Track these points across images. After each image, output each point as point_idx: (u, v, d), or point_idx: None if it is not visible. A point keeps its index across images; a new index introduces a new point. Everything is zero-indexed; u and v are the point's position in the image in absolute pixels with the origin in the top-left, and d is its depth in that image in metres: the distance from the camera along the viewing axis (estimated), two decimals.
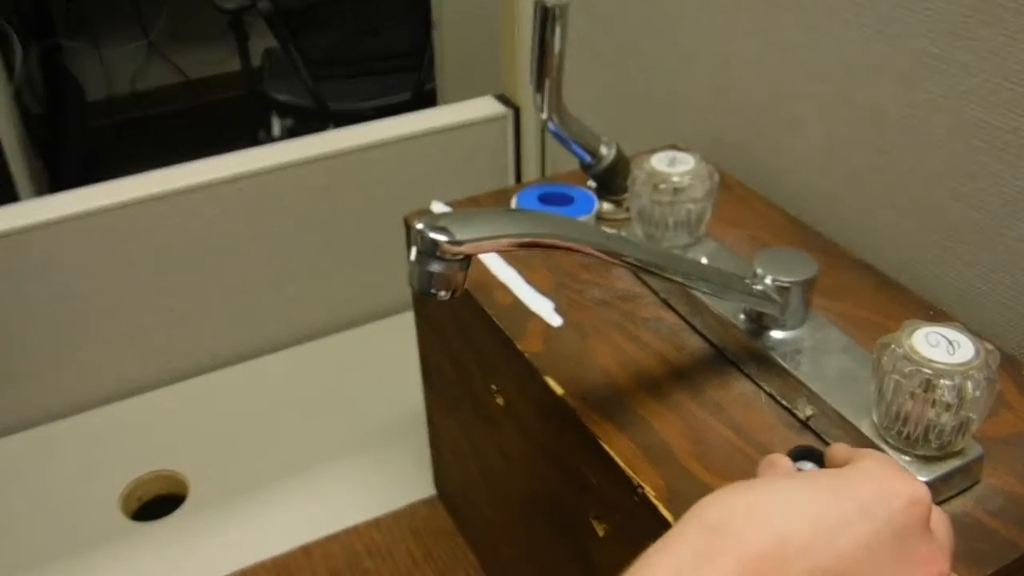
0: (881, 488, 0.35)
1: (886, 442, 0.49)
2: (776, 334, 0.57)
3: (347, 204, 1.07)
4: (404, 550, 0.85)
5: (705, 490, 0.50)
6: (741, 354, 0.58)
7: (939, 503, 0.49)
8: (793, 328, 0.58)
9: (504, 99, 1.13)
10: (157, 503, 0.93)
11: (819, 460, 0.49)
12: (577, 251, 0.48)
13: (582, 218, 0.71)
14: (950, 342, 0.47)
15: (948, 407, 0.46)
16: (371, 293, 1.14)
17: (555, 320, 0.63)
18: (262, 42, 2.43)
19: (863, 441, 0.50)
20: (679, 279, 0.53)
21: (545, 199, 0.73)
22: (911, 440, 0.48)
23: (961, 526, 0.47)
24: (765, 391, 0.56)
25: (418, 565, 0.83)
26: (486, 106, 1.12)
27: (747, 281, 0.57)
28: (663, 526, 0.49)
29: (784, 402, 0.55)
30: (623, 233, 0.67)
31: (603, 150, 0.72)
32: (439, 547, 0.85)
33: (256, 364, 1.09)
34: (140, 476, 0.93)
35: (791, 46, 0.73)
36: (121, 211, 0.95)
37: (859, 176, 0.70)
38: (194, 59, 2.95)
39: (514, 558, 0.75)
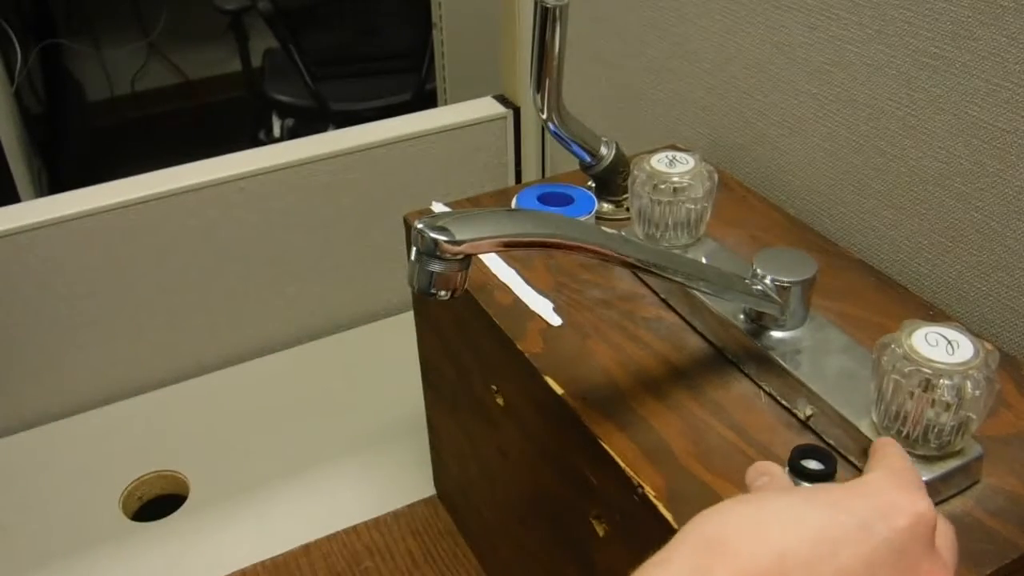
0: (882, 504, 0.35)
1: None
2: (776, 334, 0.57)
3: (347, 204, 1.07)
4: (404, 550, 0.85)
5: (705, 490, 0.50)
6: (741, 354, 0.58)
7: (939, 503, 0.49)
8: (793, 328, 0.58)
9: (504, 99, 1.13)
10: (158, 503, 0.93)
11: (821, 459, 0.49)
12: (577, 251, 0.48)
13: (582, 218, 0.71)
14: (949, 342, 0.47)
15: (948, 407, 0.46)
16: (371, 293, 1.14)
17: (555, 320, 0.63)
18: (262, 42, 2.43)
19: (863, 441, 0.50)
20: (679, 279, 0.53)
21: (545, 199, 0.73)
22: (911, 440, 0.48)
23: (961, 526, 0.47)
24: (765, 391, 0.57)
25: (418, 565, 0.83)
26: (486, 106, 1.12)
27: (747, 281, 0.57)
28: (663, 526, 0.49)
29: (784, 402, 0.55)
30: (623, 233, 0.67)
31: (603, 150, 0.72)
32: (439, 547, 0.85)
33: (256, 364, 1.09)
34: (141, 476, 0.93)
35: (791, 46, 0.73)
36: (121, 211, 0.95)
37: (859, 176, 0.70)
38: (194, 59, 2.95)
39: (514, 558, 0.75)
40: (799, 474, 0.48)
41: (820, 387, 0.53)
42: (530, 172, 1.16)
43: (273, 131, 2.29)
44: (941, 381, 0.46)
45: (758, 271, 0.57)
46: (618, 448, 0.52)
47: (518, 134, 1.13)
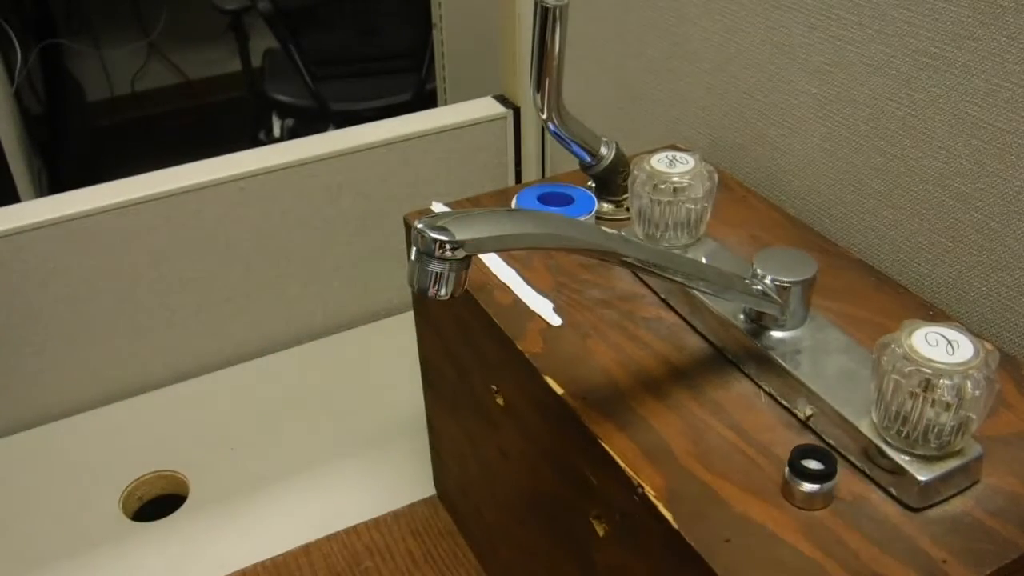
0: None
1: (886, 442, 0.49)
2: (776, 334, 0.57)
3: (347, 204, 1.07)
4: (404, 550, 0.85)
5: (705, 490, 0.50)
6: (741, 354, 0.58)
7: (939, 503, 0.49)
8: (793, 328, 0.58)
9: (504, 99, 1.13)
10: (158, 503, 0.93)
11: (821, 459, 0.49)
12: (577, 251, 0.48)
13: (582, 218, 0.71)
14: (949, 342, 0.47)
15: (948, 407, 0.46)
16: (371, 293, 1.14)
17: (555, 320, 0.63)
18: (262, 42, 2.44)
19: (863, 441, 0.50)
20: (679, 279, 0.53)
21: (545, 199, 0.73)
22: (911, 440, 0.48)
23: (961, 526, 0.47)
24: (765, 391, 0.57)
25: (418, 565, 0.83)
26: (486, 106, 1.12)
27: (747, 281, 0.57)
28: (663, 526, 0.49)
29: (784, 402, 0.55)
30: (623, 233, 0.67)
31: (603, 150, 0.72)
32: (439, 547, 0.85)
33: (256, 364, 1.09)
34: (141, 476, 0.93)
35: (791, 46, 0.73)
36: (121, 211, 0.95)
37: (859, 176, 0.70)
38: (194, 59, 2.95)
39: (514, 558, 0.75)
40: (799, 474, 0.48)
41: (820, 387, 0.53)
42: (530, 172, 1.16)
43: (273, 131, 2.29)
44: (941, 381, 0.46)
45: (758, 271, 0.57)
46: (618, 448, 0.52)
47: (518, 134, 1.13)
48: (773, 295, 0.56)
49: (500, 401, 0.66)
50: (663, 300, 0.65)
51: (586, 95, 1.02)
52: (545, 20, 0.64)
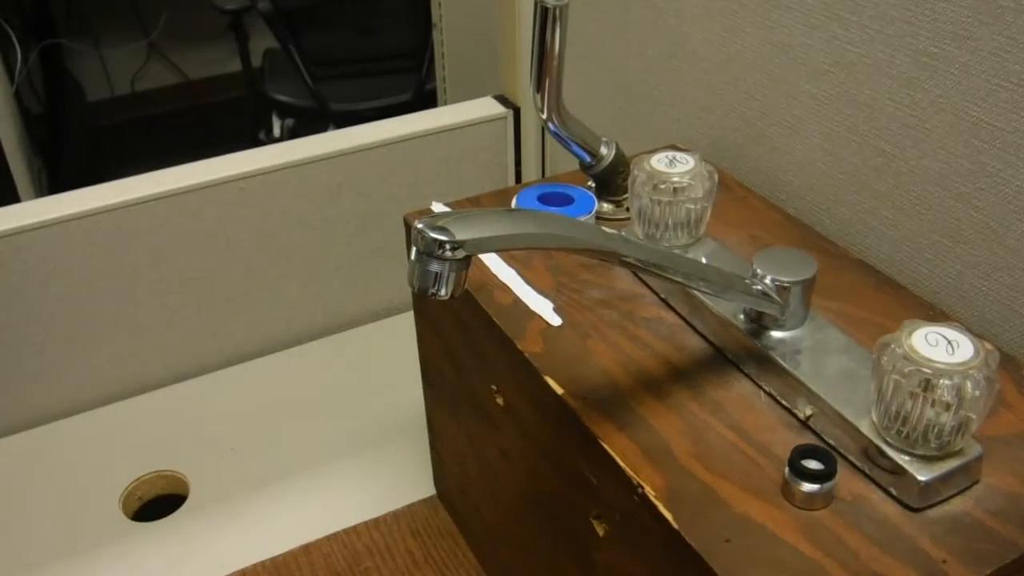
0: None
1: (886, 442, 0.49)
2: (776, 334, 0.57)
3: (347, 204, 1.07)
4: (404, 550, 0.85)
5: (705, 490, 0.50)
6: (741, 354, 0.58)
7: (939, 503, 0.49)
8: (793, 328, 0.58)
9: (504, 99, 1.13)
10: (158, 503, 0.93)
11: (821, 459, 0.49)
12: (577, 251, 0.48)
13: (582, 218, 0.71)
14: (950, 342, 0.47)
15: (948, 407, 0.46)
16: (371, 293, 1.14)
17: (555, 320, 0.63)
18: (262, 42, 2.43)
19: (863, 441, 0.50)
20: (679, 279, 0.53)
21: (545, 199, 0.73)
22: (911, 440, 0.48)
23: (961, 526, 0.47)
24: (765, 391, 0.57)
25: (418, 565, 0.83)
26: (486, 106, 1.12)
27: (747, 281, 0.57)
28: (663, 526, 0.49)
29: (784, 402, 0.55)
30: (623, 233, 0.67)
31: (603, 150, 0.72)
32: (439, 547, 0.85)
33: (256, 364, 1.09)
34: (141, 476, 0.93)
35: (791, 46, 0.73)
36: (121, 211, 0.95)
37: (859, 176, 0.70)
38: (194, 59, 2.95)
39: (514, 558, 0.75)
40: (799, 474, 0.48)
41: (820, 387, 0.53)
42: (530, 172, 1.16)
43: (273, 131, 2.29)
44: (941, 381, 0.46)
45: (758, 271, 0.57)
46: (618, 448, 0.52)
47: (518, 134, 1.13)
48: (773, 295, 0.56)
49: (500, 401, 0.66)
50: (663, 300, 0.65)
51: (586, 95, 1.02)
52: (545, 20, 0.64)
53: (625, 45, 0.94)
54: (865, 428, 0.50)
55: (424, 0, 1.53)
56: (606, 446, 0.53)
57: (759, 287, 0.56)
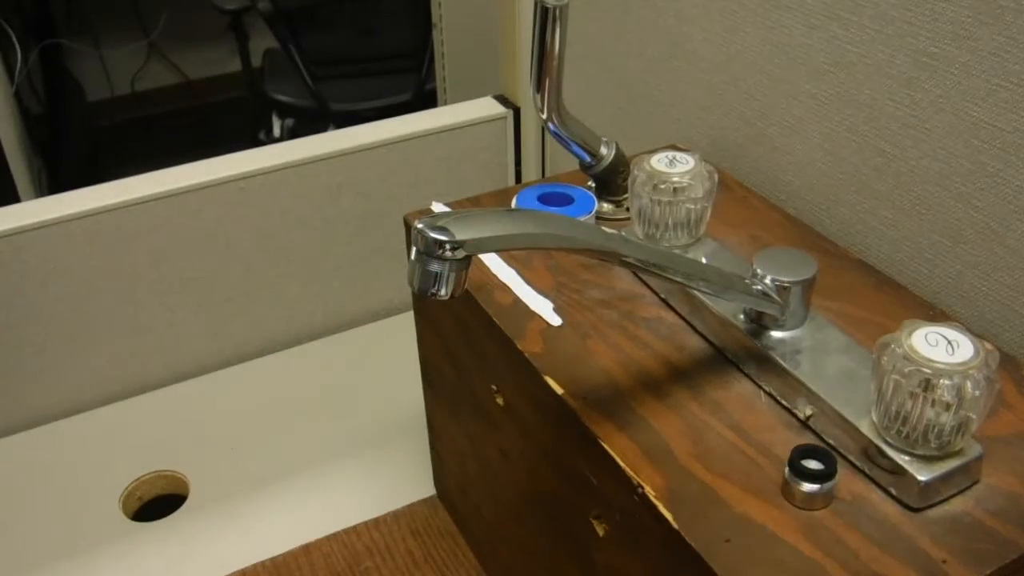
0: None
1: (886, 442, 0.49)
2: (776, 334, 0.57)
3: (347, 204, 1.07)
4: (404, 550, 0.85)
5: (705, 490, 0.50)
6: (741, 354, 0.58)
7: (939, 503, 0.49)
8: (793, 328, 0.58)
9: (504, 99, 1.13)
10: (158, 503, 0.93)
11: (821, 459, 0.49)
12: (577, 251, 0.48)
13: (582, 218, 0.71)
14: (950, 342, 0.47)
15: (948, 407, 0.46)
16: (371, 293, 1.14)
17: (555, 320, 0.63)
18: (262, 42, 2.43)
19: (863, 441, 0.50)
20: (679, 279, 0.53)
21: (545, 199, 0.73)
22: (911, 440, 0.48)
23: (961, 526, 0.47)
24: (765, 391, 0.57)
25: (418, 565, 0.83)
26: (486, 106, 1.12)
27: (747, 281, 0.57)
28: (663, 526, 0.49)
29: (784, 402, 0.55)
30: (623, 233, 0.67)
31: (603, 150, 0.72)
32: (439, 547, 0.85)
33: (256, 364, 1.09)
34: (141, 476, 0.93)
35: (791, 46, 0.73)
36: (121, 211, 0.95)
37: (859, 176, 0.70)
38: (194, 59, 2.95)
39: (514, 558, 0.75)
40: (799, 474, 0.48)
41: (820, 387, 0.53)
42: (530, 172, 1.16)
43: (273, 131, 2.29)
44: (941, 381, 0.46)
45: (758, 271, 0.57)
46: (618, 448, 0.52)
47: (518, 134, 1.13)
48: (773, 295, 0.56)
49: (500, 401, 0.66)
50: (663, 300, 0.65)
51: (586, 95, 1.02)
52: (545, 20, 0.64)
53: (625, 45, 0.94)
54: (865, 428, 0.50)
55: (424, 0, 1.53)
56: (606, 446, 0.53)
57: (759, 287, 0.56)
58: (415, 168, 1.08)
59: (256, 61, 2.45)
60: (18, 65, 2.06)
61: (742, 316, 0.59)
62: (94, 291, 0.98)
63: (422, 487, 0.91)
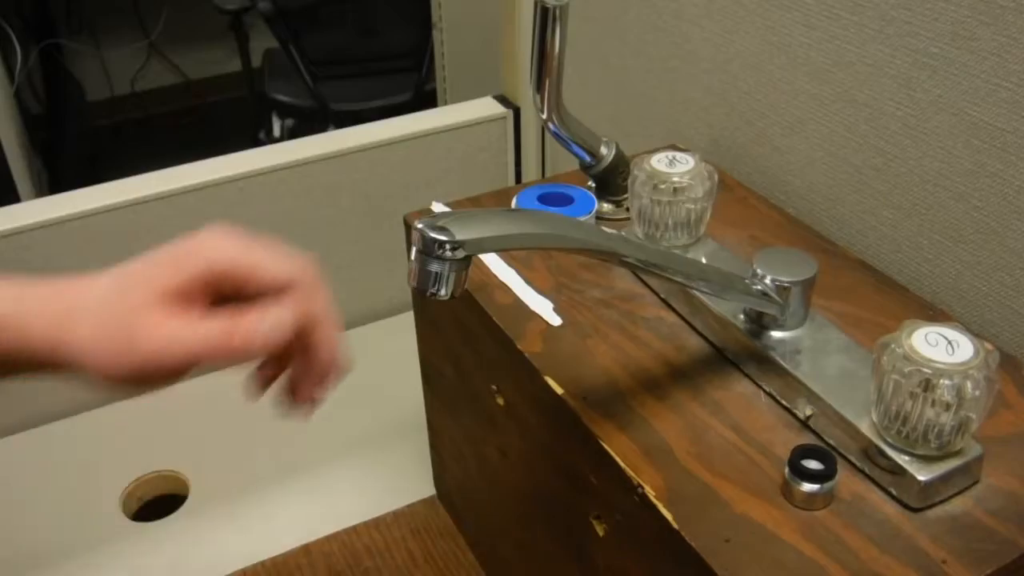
0: None
1: (886, 442, 0.49)
2: (776, 334, 0.57)
3: (347, 204, 1.07)
4: (404, 550, 0.85)
5: (705, 490, 0.50)
6: (741, 354, 0.58)
7: (939, 503, 0.49)
8: (793, 328, 0.58)
9: (504, 99, 1.13)
10: (158, 503, 0.93)
11: (821, 459, 0.49)
12: (577, 251, 0.48)
13: (582, 218, 0.71)
14: (949, 342, 0.47)
15: (947, 407, 0.46)
16: (371, 293, 1.14)
17: (555, 320, 0.63)
18: (262, 42, 2.44)
19: (863, 441, 0.50)
20: (679, 279, 0.53)
21: (545, 199, 0.73)
22: (911, 440, 0.48)
23: (961, 526, 0.47)
24: (765, 391, 0.57)
25: (418, 565, 0.83)
26: (486, 106, 1.12)
27: (747, 281, 0.57)
28: (663, 526, 0.49)
29: (784, 402, 0.55)
30: (623, 233, 0.67)
31: (603, 150, 0.72)
32: (439, 547, 0.85)
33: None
34: (141, 476, 0.93)
35: (791, 46, 0.73)
36: (121, 211, 0.95)
37: (859, 176, 0.70)
38: (194, 59, 2.95)
39: (514, 558, 0.75)
40: (799, 474, 0.48)
41: (820, 387, 0.53)
42: (530, 172, 1.16)
43: (273, 131, 2.29)
44: (941, 381, 0.46)
45: (758, 271, 0.57)
46: (618, 448, 0.52)
47: (518, 134, 1.13)
48: (773, 295, 0.56)
49: (500, 401, 0.66)
50: (663, 300, 0.65)
51: (586, 95, 1.02)
52: (545, 20, 0.64)
53: (625, 45, 0.94)
54: (865, 428, 0.50)
55: (424, 0, 1.53)
56: (606, 446, 0.53)
57: (759, 287, 0.56)
58: (415, 168, 1.08)
59: (256, 61, 2.45)
60: (18, 65, 2.06)
61: (742, 316, 0.59)
62: None
63: (422, 487, 0.90)
